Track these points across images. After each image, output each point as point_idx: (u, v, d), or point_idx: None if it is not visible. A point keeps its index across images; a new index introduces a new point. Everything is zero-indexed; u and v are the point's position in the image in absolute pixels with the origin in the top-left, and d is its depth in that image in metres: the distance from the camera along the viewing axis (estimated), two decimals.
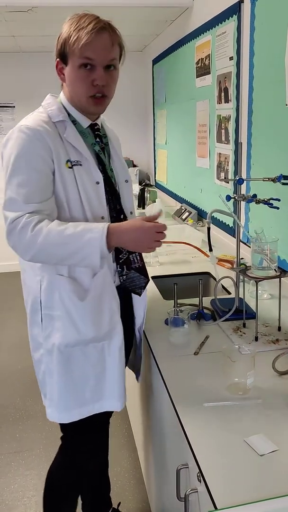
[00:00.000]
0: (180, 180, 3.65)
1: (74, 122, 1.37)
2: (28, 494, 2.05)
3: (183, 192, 3.54)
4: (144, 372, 1.66)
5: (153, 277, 2.04)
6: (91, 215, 1.33)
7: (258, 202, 1.45)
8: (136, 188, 3.94)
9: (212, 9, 2.61)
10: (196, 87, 3.02)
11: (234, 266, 1.57)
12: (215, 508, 0.83)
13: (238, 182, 1.48)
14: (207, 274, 2.11)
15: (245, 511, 0.81)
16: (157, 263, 2.22)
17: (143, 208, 3.48)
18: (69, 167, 1.32)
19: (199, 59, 2.90)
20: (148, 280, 1.48)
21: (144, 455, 1.95)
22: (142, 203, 3.58)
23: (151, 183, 4.59)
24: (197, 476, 0.98)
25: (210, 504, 0.86)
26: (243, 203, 2.23)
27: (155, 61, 4.27)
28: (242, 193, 1.52)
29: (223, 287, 1.92)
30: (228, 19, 2.38)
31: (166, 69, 3.87)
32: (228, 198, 1.48)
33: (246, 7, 2.16)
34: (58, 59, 1.34)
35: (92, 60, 1.28)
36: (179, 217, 3.17)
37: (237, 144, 2.35)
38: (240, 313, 1.54)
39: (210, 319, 1.59)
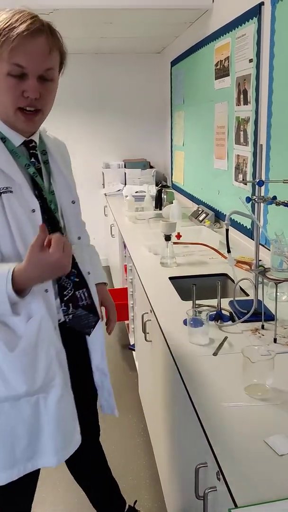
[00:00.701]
0: (197, 181, 3.66)
1: (3, 139, 1.18)
2: None
3: (200, 193, 3.54)
4: (163, 373, 1.67)
5: (170, 278, 2.06)
6: (24, 249, 1.14)
7: (278, 204, 1.45)
8: (153, 190, 3.96)
9: (232, 11, 2.61)
10: (214, 89, 3.02)
11: (253, 267, 1.58)
12: (235, 506, 0.84)
13: (258, 184, 1.49)
14: (225, 275, 2.11)
15: (264, 509, 0.82)
16: (174, 264, 2.23)
17: (160, 209, 3.49)
18: None
19: (218, 61, 2.90)
20: (99, 318, 1.37)
21: (161, 454, 1.96)
22: (159, 204, 3.59)
23: (167, 184, 4.60)
24: (216, 474, 0.99)
25: (229, 502, 0.86)
26: (262, 205, 2.23)
27: (173, 63, 4.29)
28: (261, 195, 1.52)
29: (241, 289, 1.92)
30: (248, 21, 2.38)
31: (185, 71, 3.88)
32: (248, 200, 1.49)
33: (266, 9, 2.16)
34: None
35: (23, 68, 1.10)
36: (196, 218, 3.17)
37: (256, 146, 2.35)
38: (259, 315, 1.55)
39: (229, 320, 1.60)
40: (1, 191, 1.13)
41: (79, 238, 1.34)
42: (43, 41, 1.10)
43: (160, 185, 4.20)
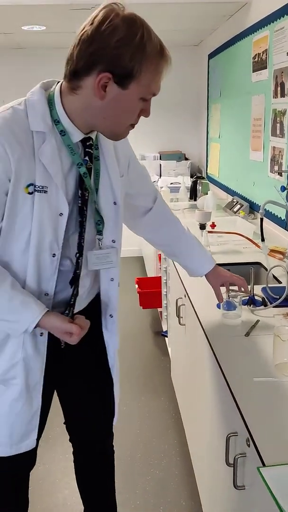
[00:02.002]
0: (232, 173, 3.70)
1: (62, 132, 1.14)
2: None
3: (235, 185, 3.59)
4: (197, 353, 1.75)
5: None
6: (36, 251, 1.14)
7: None
8: (188, 181, 4.02)
9: (270, 4, 2.64)
10: (252, 82, 3.05)
11: (286, 255, 1.63)
12: (263, 465, 0.92)
13: None
14: (258, 264, 2.17)
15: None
16: (208, 252, 2.30)
17: (195, 200, 3.55)
18: (29, 193, 1.10)
19: (256, 54, 2.93)
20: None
21: (192, 432, 2.05)
22: (194, 195, 3.66)
23: (202, 176, 4.65)
24: (246, 441, 1.07)
25: (258, 464, 0.94)
26: None
27: (211, 55, 4.32)
28: None
29: (274, 277, 1.98)
30: (286, 15, 2.41)
31: (222, 64, 3.91)
32: (283, 188, 1.55)
33: None
34: (109, 72, 1.05)
35: (154, 95, 1.15)
36: (230, 209, 3.22)
37: None
38: None
39: (261, 305, 1.66)
40: (37, 189, 1.10)
41: (113, 241, 1.30)
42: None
43: (195, 176, 4.26)
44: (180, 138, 5.15)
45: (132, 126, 1.17)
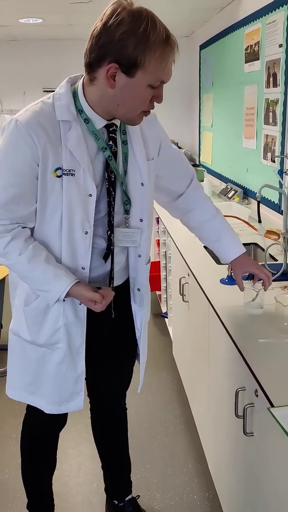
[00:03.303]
0: (225, 160, 3.84)
1: (86, 120, 1.25)
2: None
3: (229, 172, 3.73)
4: (202, 324, 1.90)
5: (205, 246, 2.28)
6: (68, 230, 1.26)
7: None
8: None
9: None
10: (244, 72, 3.19)
11: (282, 232, 1.78)
12: (272, 406, 1.07)
13: None
14: (255, 244, 2.33)
15: None
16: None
17: None
18: (58, 176, 1.22)
19: (248, 46, 3.07)
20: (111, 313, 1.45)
21: (196, 399, 2.21)
22: None
23: (196, 164, 4.79)
24: (255, 392, 1.23)
25: (266, 414, 1.09)
26: None
27: (202, 46, 4.44)
28: None
29: (271, 256, 2.13)
30: (278, 9, 2.54)
31: (214, 55, 4.04)
32: (280, 172, 1.69)
33: None
34: (115, 63, 1.14)
35: (163, 83, 1.22)
36: (225, 195, 3.37)
37: (285, 126, 2.54)
38: (287, 275, 1.76)
39: (260, 280, 1.82)
40: (64, 172, 1.21)
41: (141, 220, 1.39)
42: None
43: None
44: (173, 127, 5.26)
45: (146, 112, 1.26)
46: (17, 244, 1.26)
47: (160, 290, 3.47)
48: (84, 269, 1.33)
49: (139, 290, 1.49)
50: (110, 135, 1.29)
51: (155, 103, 1.25)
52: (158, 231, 3.49)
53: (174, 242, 2.43)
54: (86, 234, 1.29)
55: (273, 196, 2.75)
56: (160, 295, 3.56)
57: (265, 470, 1.23)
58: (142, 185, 1.36)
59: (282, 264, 1.87)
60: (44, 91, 5.05)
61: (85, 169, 1.24)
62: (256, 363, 1.25)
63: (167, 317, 3.24)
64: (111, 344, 1.56)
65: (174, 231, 2.60)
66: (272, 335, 1.38)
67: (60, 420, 1.57)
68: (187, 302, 2.23)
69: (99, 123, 1.27)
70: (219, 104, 3.99)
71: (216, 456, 1.84)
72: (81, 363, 1.41)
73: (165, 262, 3.22)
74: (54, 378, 1.40)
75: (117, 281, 1.46)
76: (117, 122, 1.31)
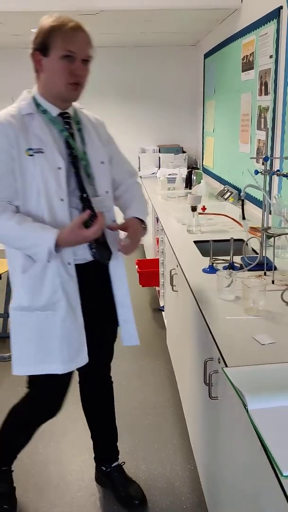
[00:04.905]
0: (224, 164, 4.03)
1: (44, 111, 1.54)
2: None
3: (227, 175, 3.92)
4: (185, 308, 2.09)
5: (195, 241, 2.47)
6: (46, 200, 1.49)
7: (279, 175, 1.84)
8: (184, 172, 4.36)
9: (257, 11, 2.96)
10: (241, 81, 3.38)
11: (260, 228, 1.96)
12: (226, 365, 1.26)
13: (264, 159, 1.87)
14: (242, 240, 2.50)
15: (246, 368, 1.23)
16: (199, 231, 2.64)
17: (190, 188, 3.89)
18: (30, 155, 1.47)
19: (245, 56, 3.26)
20: (111, 253, 1.67)
21: (182, 380, 2.39)
22: (189, 184, 3.99)
23: (198, 167, 4.98)
24: (218, 360, 1.41)
25: (226, 382, 1.27)
26: (276, 179, 2.61)
27: (206, 55, 4.64)
28: (267, 168, 1.91)
29: (253, 249, 2.31)
30: (269, 22, 2.73)
31: (216, 63, 4.24)
32: (256, 172, 1.88)
33: (284, 12, 2.51)
34: (37, 51, 1.49)
35: (73, 53, 1.45)
36: (222, 197, 3.55)
37: (274, 131, 2.72)
38: (263, 265, 1.94)
39: (239, 269, 2.00)
40: (35, 151, 1.48)
41: (106, 192, 1.65)
42: (86, 34, 1.50)
43: (191, 167, 4.59)
44: (178, 132, 5.48)
45: (73, 85, 1.50)
46: (6, 214, 1.49)
47: (158, 286, 3.66)
48: None
49: (119, 250, 1.69)
50: (65, 120, 1.58)
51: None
52: (158, 230, 3.69)
53: (167, 237, 2.63)
54: (62, 201, 1.52)
55: (261, 195, 2.92)
56: (159, 291, 3.75)
57: (225, 430, 1.41)
58: (102, 163, 1.64)
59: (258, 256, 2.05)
60: None
61: (51, 147, 1.51)
62: (221, 335, 1.44)
63: (163, 311, 3.42)
64: (92, 316, 1.72)
65: (169, 229, 2.80)
66: (238, 314, 1.57)
67: (69, 378, 1.71)
68: (176, 291, 2.42)
69: (54, 111, 1.56)
70: (220, 110, 4.18)
71: (194, 429, 2.02)
72: (80, 317, 1.60)
73: (163, 259, 3.41)
74: (61, 336, 1.56)
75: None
76: (70, 112, 1.60)
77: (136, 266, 3.79)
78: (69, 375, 1.69)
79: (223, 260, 2.11)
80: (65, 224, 1.53)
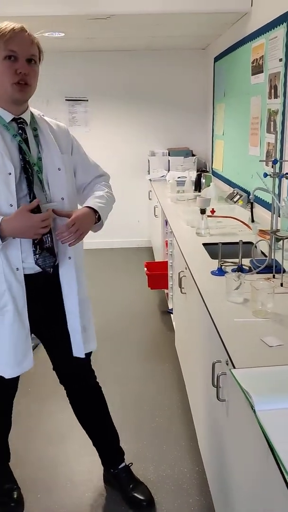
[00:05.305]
0: (234, 167, 4.03)
1: None
2: None
3: (237, 178, 3.92)
4: (194, 311, 2.09)
5: (203, 244, 2.48)
6: None
7: (287, 178, 1.84)
8: (193, 175, 4.36)
9: (266, 16, 2.97)
10: (251, 84, 3.38)
11: (269, 230, 1.97)
12: (234, 367, 1.26)
13: (274, 162, 1.88)
14: (250, 243, 2.50)
15: (254, 370, 1.24)
16: (208, 234, 2.64)
17: (199, 191, 3.89)
18: None
19: (254, 59, 3.26)
20: (56, 259, 1.64)
21: (190, 383, 2.39)
22: (198, 187, 3.99)
23: (207, 170, 4.99)
24: (226, 362, 1.42)
25: (234, 383, 1.28)
26: (286, 183, 2.61)
27: (216, 58, 4.65)
28: (276, 171, 1.91)
29: (262, 252, 2.31)
30: (279, 26, 2.74)
31: (226, 67, 4.25)
32: (265, 175, 1.88)
33: None
34: None
35: (15, 53, 1.47)
36: (231, 199, 3.55)
37: (283, 134, 2.72)
38: (272, 268, 1.94)
39: (248, 272, 2.00)
40: None
41: (62, 198, 1.63)
42: (27, 35, 1.51)
43: (200, 170, 4.59)
44: (188, 135, 5.49)
45: (19, 85, 1.51)
46: None
47: (167, 288, 3.66)
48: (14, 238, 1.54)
49: (69, 258, 1.67)
50: (20, 126, 1.58)
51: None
52: (167, 232, 3.70)
53: (176, 239, 2.63)
54: (11, 206, 1.52)
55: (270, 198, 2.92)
56: (167, 293, 3.76)
57: (233, 432, 1.42)
58: (59, 170, 1.63)
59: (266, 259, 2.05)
60: (66, 100, 5.35)
61: (2, 153, 1.51)
62: (229, 337, 1.44)
63: (172, 313, 3.43)
64: (41, 324, 1.74)
65: (178, 231, 2.81)
66: (247, 316, 1.57)
67: (14, 385, 1.80)
68: (185, 294, 2.43)
69: (7, 117, 1.56)
70: (229, 113, 4.19)
71: (202, 431, 2.02)
72: (26, 321, 1.62)
73: (172, 261, 3.41)
74: (9, 339, 1.60)
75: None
76: (26, 118, 1.61)
77: (145, 269, 3.80)
78: (14, 380, 1.73)
79: (231, 262, 2.11)
80: None
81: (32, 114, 1.65)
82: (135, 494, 1.95)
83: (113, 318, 3.76)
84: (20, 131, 1.57)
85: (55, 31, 4.06)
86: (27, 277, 1.61)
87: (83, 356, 1.76)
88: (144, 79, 5.31)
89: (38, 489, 2.05)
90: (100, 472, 2.10)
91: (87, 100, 5.36)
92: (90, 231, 1.72)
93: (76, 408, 1.97)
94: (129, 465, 2.03)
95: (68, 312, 1.72)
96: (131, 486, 1.97)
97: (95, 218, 1.70)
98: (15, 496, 1.96)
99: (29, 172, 1.56)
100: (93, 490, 2.04)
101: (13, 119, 1.57)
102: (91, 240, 6.05)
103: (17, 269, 1.58)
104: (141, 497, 1.94)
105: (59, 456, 2.26)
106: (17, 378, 1.77)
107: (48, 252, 1.61)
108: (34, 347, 1.80)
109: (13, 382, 1.78)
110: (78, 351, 1.76)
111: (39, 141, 1.61)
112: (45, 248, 1.59)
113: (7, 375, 1.65)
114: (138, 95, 5.35)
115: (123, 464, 2.01)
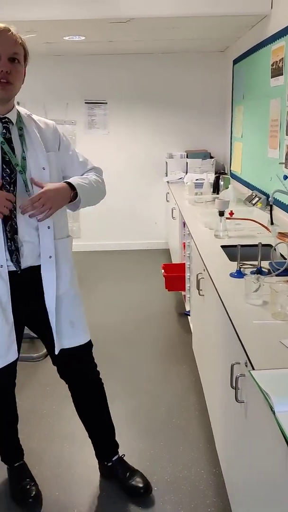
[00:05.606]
0: (252, 169, 4.02)
1: None
2: None
3: (255, 180, 3.91)
4: (212, 313, 2.10)
5: (222, 246, 2.48)
6: None
7: None
8: (212, 177, 4.37)
9: (287, 18, 2.96)
10: (271, 86, 3.37)
11: None
12: (253, 369, 1.27)
13: None
14: (270, 246, 2.50)
15: (273, 372, 1.24)
16: (226, 236, 2.65)
17: (217, 194, 3.89)
18: None
19: (274, 62, 3.26)
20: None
21: (207, 381, 2.40)
22: (216, 189, 4.00)
23: (225, 172, 4.98)
24: (245, 363, 1.42)
25: (253, 385, 1.28)
26: None
27: (236, 61, 4.65)
28: None
29: (281, 255, 2.31)
30: None
31: (245, 69, 4.24)
32: (285, 177, 1.88)
33: None
34: None
35: None
36: (250, 202, 3.55)
37: None
38: None
39: (267, 274, 2.00)
40: None
41: None
42: (10, 34, 1.54)
43: (218, 172, 4.59)
44: (206, 138, 5.49)
45: (1, 83, 1.53)
46: None
47: (184, 290, 3.67)
48: None
49: (50, 257, 1.69)
50: (4, 125, 1.61)
51: None
52: (184, 235, 3.71)
53: (194, 241, 2.64)
54: None
55: None
56: (184, 295, 3.77)
57: (251, 433, 1.42)
58: (44, 169, 1.65)
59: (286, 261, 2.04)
60: (85, 102, 5.40)
61: None
62: (248, 339, 1.45)
63: (189, 315, 3.43)
64: (26, 321, 1.79)
65: (196, 233, 2.82)
66: (266, 318, 1.57)
67: (6, 375, 1.81)
68: (203, 296, 2.43)
69: None
70: (248, 116, 4.18)
71: (220, 433, 2.02)
72: (10, 315, 1.67)
73: (189, 263, 3.42)
74: None
75: (30, 260, 1.68)
76: (11, 117, 1.63)
77: (162, 271, 3.81)
78: (2, 372, 1.75)
79: (250, 265, 2.12)
80: None
81: (18, 113, 1.67)
82: (133, 483, 2.01)
83: (129, 319, 3.78)
84: (4, 131, 1.60)
85: (76, 35, 4.11)
86: (12, 274, 1.65)
87: (56, 352, 1.79)
88: (162, 82, 5.33)
89: (56, 488, 2.07)
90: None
91: (106, 103, 5.40)
92: (70, 210, 1.75)
93: (75, 401, 2.02)
94: (122, 456, 2.08)
95: (48, 308, 1.74)
96: (127, 475, 2.03)
97: (70, 196, 1.68)
98: (33, 493, 1.99)
99: (8, 173, 1.58)
100: (109, 489, 2.06)
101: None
102: (107, 241, 6.17)
103: (1, 266, 1.63)
104: (140, 485, 2.00)
105: (75, 455, 2.28)
106: (11, 370, 1.82)
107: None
108: None
109: (6, 374, 1.79)
110: (57, 347, 1.78)
111: (24, 140, 1.63)
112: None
113: None
114: (157, 97, 5.37)
115: (116, 456, 2.06)
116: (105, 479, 2.10)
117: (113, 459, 2.06)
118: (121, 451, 2.09)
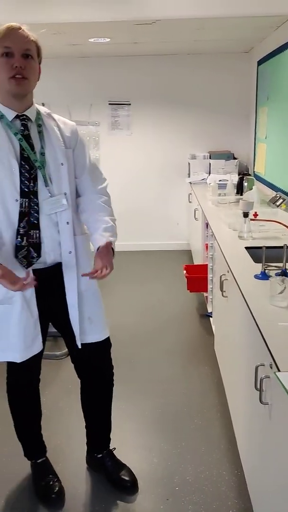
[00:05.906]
0: (277, 170, 4.00)
1: (1, 116, 1.62)
2: None
3: (279, 181, 3.88)
4: (236, 315, 2.10)
5: (246, 248, 2.48)
6: (1, 200, 1.60)
7: None
8: (235, 178, 4.35)
9: None
10: None
11: None
12: (278, 370, 1.27)
13: None
14: None
15: None
16: (250, 237, 2.64)
17: (241, 195, 3.88)
18: None
19: None
20: (39, 257, 1.69)
21: (230, 382, 2.39)
22: (240, 190, 3.98)
23: (249, 173, 4.96)
24: (270, 365, 1.42)
25: (280, 385, 1.28)
26: None
27: (260, 62, 4.62)
28: None
29: None
30: None
31: (270, 70, 4.21)
32: None
33: None
34: None
35: (10, 49, 1.55)
36: (273, 203, 3.52)
37: None
38: None
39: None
40: None
41: (65, 193, 1.69)
42: (21, 32, 1.58)
43: (242, 174, 4.57)
44: (229, 139, 5.47)
45: (16, 79, 1.57)
46: None
47: (206, 291, 3.66)
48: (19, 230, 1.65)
49: (70, 253, 1.73)
50: (22, 122, 1.65)
51: None
52: (207, 236, 3.70)
53: (218, 242, 2.64)
54: (16, 201, 1.62)
55: None
56: (206, 297, 3.76)
57: (276, 435, 1.42)
58: (62, 164, 1.70)
59: None
60: (109, 103, 5.43)
61: (6, 151, 1.60)
62: (273, 341, 1.44)
63: (211, 317, 3.43)
64: (49, 315, 1.83)
65: (219, 234, 2.81)
66: None
67: (32, 369, 1.89)
68: (226, 297, 2.43)
69: (10, 115, 1.64)
70: (273, 117, 4.15)
71: (242, 434, 2.02)
72: (35, 309, 1.73)
73: (212, 264, 3.42)
74: (18, 326, 1.72)
75: (52, 256, 1.73)
76: (30, 115, 1.67)
77: (184, 271, 3.81)
78: (29, 366, 1.82)
79: (275, 266, 2.11)
80: (15, 222, 1.63)
81: (38, 111, 1.71)
82: (121, 476, 2.05)
83: (150, 320, 3.80)
84: (22, 128, 1.64)
85: (102, 37, 4.14)
86: (36, 271, 1.69)
87: (79, 345, 1.83)
88: (185, 83, 5.33)
89: (79, 484, 2.09)
90: (139, 468, 2.13)
91: (130, 104, 5.43)
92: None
93: (84, 395, 2.07)
94: (113, 449, 2.13)
95: (69, 305, 1.79)
96: (115, 469, 2.07)
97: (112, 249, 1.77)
98: (56, 489, 2.02)
99: (27, 169, 1.62)
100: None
101: (17, 116, 1.64)
102: (129, 242, 6.20)
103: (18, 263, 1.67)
104: (126, 478, 2.04)
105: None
106: (37, 365, 1.90)
107: (32, 247, 1.67)
108: None
109: (31, 368, 1.87)
110: (78, 342, 1.83)
111: (42, 137, 1.67)
112: (30, 243, 1.67)
113: (18, 359, 1.76)
114: (180, 98, 5.37)
115: (107, 450, 2.12)
116: (93, 471, 2.15)
117: (104, 451, 2.12)
118: (142, 451, 2.11)
